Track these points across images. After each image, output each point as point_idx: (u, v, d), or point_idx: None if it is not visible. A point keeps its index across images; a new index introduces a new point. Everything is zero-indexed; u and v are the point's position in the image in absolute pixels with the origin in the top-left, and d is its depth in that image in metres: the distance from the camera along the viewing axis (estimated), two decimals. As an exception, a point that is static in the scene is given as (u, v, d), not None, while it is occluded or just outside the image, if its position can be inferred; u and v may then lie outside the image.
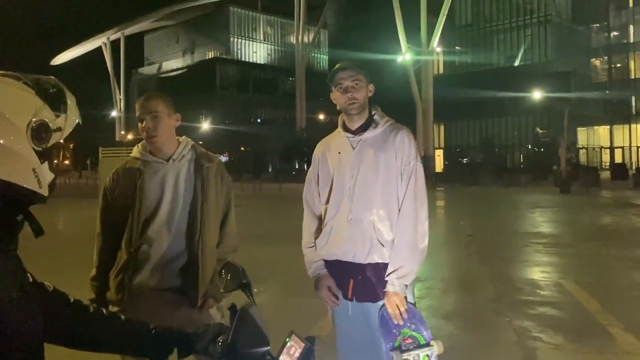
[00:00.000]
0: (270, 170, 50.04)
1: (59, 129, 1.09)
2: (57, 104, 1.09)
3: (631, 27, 49.67)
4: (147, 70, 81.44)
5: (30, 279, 1.13)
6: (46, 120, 1.04)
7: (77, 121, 1.16)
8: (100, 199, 2.30)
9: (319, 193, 2.45)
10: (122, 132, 63.56)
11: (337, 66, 2.38)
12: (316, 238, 2.42)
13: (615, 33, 50.87)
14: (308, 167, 45.37)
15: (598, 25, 51.09)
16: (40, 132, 1.03)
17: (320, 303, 2.46)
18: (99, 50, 71.93)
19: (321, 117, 53.02)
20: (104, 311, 1.30)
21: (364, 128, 2.35)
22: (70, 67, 78.93)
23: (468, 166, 39.01)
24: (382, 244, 2.25)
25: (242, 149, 52.21)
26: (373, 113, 2.39)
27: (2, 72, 1.07)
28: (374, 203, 2.26)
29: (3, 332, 0.92)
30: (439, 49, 39.90)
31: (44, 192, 1.04)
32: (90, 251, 2.29)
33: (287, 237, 10.82)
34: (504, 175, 31.09)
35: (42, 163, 1.04)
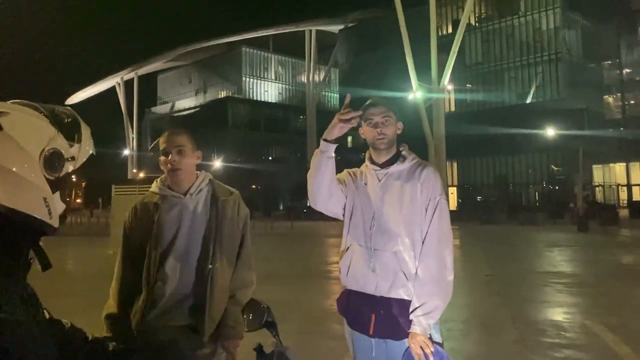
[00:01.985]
0: (281, 208, 49.97)
1: (72, 158, 1.07)
2: (71, 134, 1.08)
3: (643, 64, 49.88)
4: (160, 109, 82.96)
5: (47, 316, 1.12)
6: (59, 149, 1.03)
7: (90, 151, 1.13)
8: (121, 236, 2.28)
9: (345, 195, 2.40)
10: (134, 170, 64.23)
11: (368, 102, 2.41)
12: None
13: (628, 70, 51.01)
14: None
15: (610, 62, 51.32)
16: (53, 160, 1.01)
17: (338, 345, 2.40)
18: (112, 89, 73.58)
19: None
20: (124, 349, 1.27)
21: (391, 162, 2.36)
22: (84, 106, 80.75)
23: (482, 204, 38.69)
24: (406, 277, 2.18)
25: (254, 187, 52.35)
26: (401, 149, 2.41)
27: (20, 101, 1.06)
28: (398, 233, 2.23)
29: (8, 355, 0.88)
30: (450, 87, 40.19)
31: (54, 223, 1.01)
32: (100, 292, 2.24)
33: (301, 276, 10.73)
34: (519, 214, 30.73)
35: (53, 193, 1.01)
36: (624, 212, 31.25)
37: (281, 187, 50.73)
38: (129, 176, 62.19)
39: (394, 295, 2.19)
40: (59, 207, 1.04)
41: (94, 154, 1.15)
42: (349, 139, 59.39)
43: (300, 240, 21.17)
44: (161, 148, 2.24)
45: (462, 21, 37.84)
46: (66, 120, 1.09)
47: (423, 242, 2.22)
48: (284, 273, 10.85)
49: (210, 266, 2.12)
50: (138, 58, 73.04)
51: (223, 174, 50.98)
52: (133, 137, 71.59)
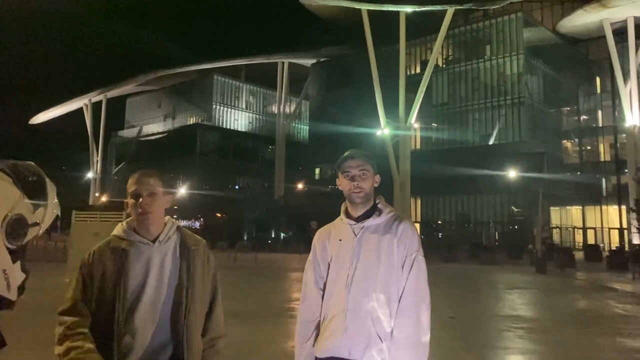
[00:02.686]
0: (245, 238, 49.38)
1: (37, 224, 0.98)
2: (36, 195, 0.98)
3: (600, 112, 52.29)
4: (127, 133, 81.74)
5: None
6: (23, 214, 0.93)
7: (56, 213, 1.05)
8: (75, 286, 2.05)
9: (316, 283, 2.36)
10: (97, 194, 62.62)
11: (346, 154, 2.38)
12: (312, 335, 2.31)
13: (585, 117, 53.44)
14: (285, 236, 44.57)
15: (568, 108, 53.66)
16: (16, 228, 0.92)
17: None
18: (80, 111, 72.22)
19: (299, 186, 53.30)
20: None
21: (367, 215, 2.32)
22: (49, 127, 78.83)
23: (444, 241, 39.17)
24: (380, 339, 2.12)
25: (219, 215, 51.70)
26: (377, 202, 2.37)
27: None
28: (374, 290, 2.18)
29: None
30: (416, 125, 41.19)
31: (12, 296, 0.93)
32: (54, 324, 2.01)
33: (266, 314, 10.53)
34: (480, 253, 31.18)
35: (14, 262, 0.93)
36: (579, 255, 32.13)
37: (247, 217, 50.25)
38: (91, 199, 60.60)
39: (367, 358, 2.12)
40: (18, 278, 0.95)
41: (59, 215, 1.06)
42: (317, 170, 59.74)
43: (263, 274, 20.88)
44: (130, 190, 2.09)
45: (430, 62, 39.10)
46: (30, 179, 0.99)
47: (399, 300, 2.17)
48: (247, 311, 10.64)
49: (184, 319, 2.03)
50: (108, 81, 72.13)
51: (189, 201, 50.21)
52: (98, 160, 70.10)
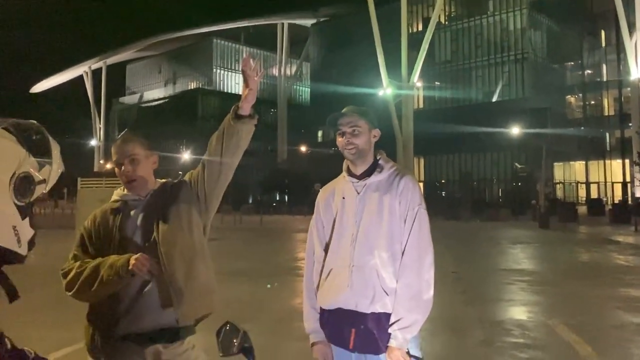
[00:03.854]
0: (250, 201, 49.67)
1: (43, 181, 0.99)
2: (40, 153, 1.00)
3: (604, 66, 51.41)
4: (128, 99, 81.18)
5: (9, 345, 1.03)
6: (30, 172, 0.95)
7: (60, 171, 1.06)
8: (75, 246, 2.17)
9: (320, 241, 2.38)
10: (101, 161, 62.77)
11: (338, 112, 2.36)
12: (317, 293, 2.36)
13: (589, 71, 52.57)
14: (289, 199, 44.79)
15: (572, 63, 52.76)
16: (24, 185, 0.94)
17: (308, 345, 2.36)
18: (80, 78, 71.58)
19: (302, 148, 53.19)
20: None
21: (368, 173, 2.32)
22: (50, 95, 78.35)
23: (447, 200, 39.30)
24: (385, 292, 2.16)
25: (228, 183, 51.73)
26: (378, 158, 2.36)
27: None
28: (377, 247, 2.19)
29: None
30: (419, 84, 40.63)
31: (23, 251, 0.95)
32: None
33: (270, 273, 10.69)
34: (483, 210, 31.33)
35: (23, 219, 0.95)
36: (582, 209, 32.27)
37: (251, 180, 50.39)
38: (96, 167, 60.80)
39: (373, 310, 2.16)
40: (28, 233, 0.98)
41: (64, 172, 1.08)
42: (319, 133, 59.48)
43: (269, 236, 21.11)
44: (113, 159, 2.16)
45: (433, 19, 38.28)
46: (34, 137, 1.01)
47: (402, 255, 2.19)
48: (253, 270, 10.80)
49: (162, 260, 2.04)
50: (107, 47, 71.23)
51: (192, 166, 50.12)
52: (100, 128, 69.91)
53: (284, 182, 48.87)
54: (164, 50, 72.39)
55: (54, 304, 6.10)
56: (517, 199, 36.37)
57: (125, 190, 2.21)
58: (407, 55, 37.41)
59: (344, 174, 2.38)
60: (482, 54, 48.57)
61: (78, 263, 2.07)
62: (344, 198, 2.31)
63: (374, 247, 2.19)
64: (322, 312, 2.30)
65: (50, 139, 1.05)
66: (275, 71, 64.19)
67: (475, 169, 46.52)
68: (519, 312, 7.35)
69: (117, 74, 78.54)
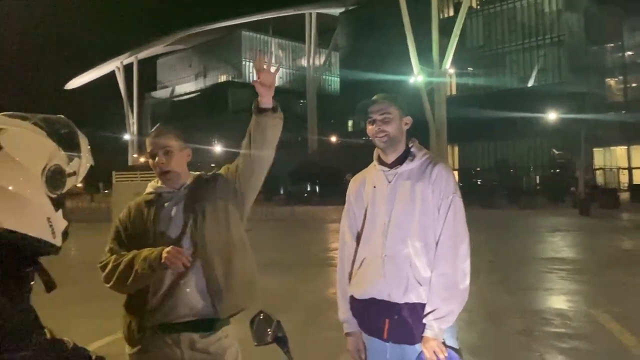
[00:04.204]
0: (281, 192, 49.95)
1: (74, 174, 1.03)
2: (69, 146, 1.03)
3: (646, 47, 49.41)
4: (160, 93, 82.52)
5: (48, 335, 1.08)
6: (61, 165, 0.99)
7: (89, 164, 1.09)
8: (110, 239, 2.22)
9: (352, 231, 2.36)
10: (135, 155, 64.12)
11: (368, 100, 2.31)
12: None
13: (630, 53, 50.55)
14: (320, 189, 44.73)
15: (612, 45, 50.84)
16: (55, 178, 0.97)
17: (342, 336, 2.36)
18: (112, 74, 73.09)
19: (333, 139, 53.07)
20: None
21: (400, 161, 2.27)
22: (84, 91, 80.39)
23: (483, 188, 38.64)
24: (419, 283, 2.11)
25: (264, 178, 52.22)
26: (410, 146, 2.30)
27: (10, 113, 1.01)
28: (410, 236, 2.15)
29: None
30: (451, 71, 39.85)
31: (58, 242, 0.99)
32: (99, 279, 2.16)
33: (302, 264, 10.71)
34: (520, 198, 30.70)
35: (56, 210, 0.99)
36: (625, 196, 31.22)
37: (281, 171, 50.62)
38: (130, 161, 62.18)
39: (407, 300, 2.12)
40: (61, 224, 1.01)
41: (93, 165, 1.11)
42: (349, 123, 59.17)
43: (300, 226, 21.17)
44: (147, 150, 2.20)
45: (464, 4, 37.43)
46: (62, 131, 1.03)
47: (437, 245, 2.14)
48: (285, 261, 10.83)
49: (198, 251, 2.07)
50: (138, 42, 72.35)
51: (223, 159, 50.85)
52: (133, 122, 71.33)
53: (315, 172, 48.90)
54: (194, 43, 73.14)
55: (93, 295, 6.22)
56: (556, 186, 35.42)
57: (159, 182, 2.24)
58: (438, 41, 36.74)
59: (375, 162, 2.34)
60: (516, 38, 47.32)
61: (114, 256, 2.11)
62: (374, 187, 2.27)
63: (407, 237, 2.14)
64: (355, 301, 2.27)
65: (79, 132, 1.08)
66: (303, 62, 64.11)
67: (511, 156, 45.55)
68: (559, 301, 7.14)
69: (148, 68, 79.95)
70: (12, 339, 0.88)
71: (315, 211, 31.04)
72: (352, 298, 2.28)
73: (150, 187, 2.27)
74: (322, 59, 62.53)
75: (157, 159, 2.16)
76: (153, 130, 2.27)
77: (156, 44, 70.65)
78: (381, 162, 2.30)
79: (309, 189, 52.06)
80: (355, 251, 2.30)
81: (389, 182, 2.25)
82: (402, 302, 2.11)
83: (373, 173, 2.33)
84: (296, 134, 63.66)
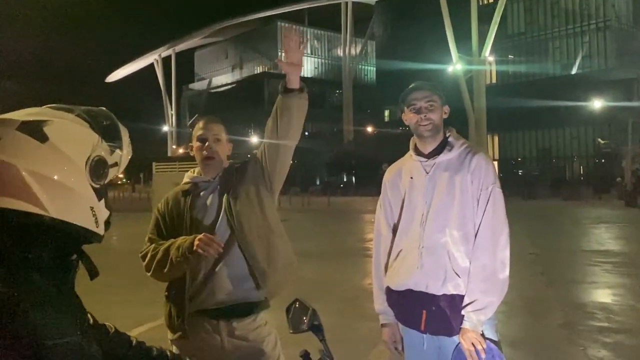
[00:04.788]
0: (318, 183, 50.10)
1: (116, 164, 1.06)
2: (111, 138, 1.06)
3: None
4: (198, 85, 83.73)
5: (91, 321, 1.14)
6: (103, 155, 1.02)
7: (130, 155, 1.12)
8: (150, 228, 2.29)
9: (388, 221, 2.33)
10: (174, 147, 65.40)
11: (411, 86, 2.26)
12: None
13: (682, 36, 48.26)
14: (356, 180, 44.73)
15: (662, 29, 48.64)
16: (98, 168, 1.00)
17: (378, 326, 2.35)
18: (151, 67, 74.55)
19: (369, 129, 52.76)
20: (168, 354, 1.28)
21: (437, 151, 2.21)
22: (124, 84, 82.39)
23: (524, 178, 37.70)
24: (457, 274, 2.08)
25: (290, 162, 52.56)
26: (448, 135, 2.25)
27: (55, 105, 1.04)
28: (448, 227, 2.11)
29: None
30: (491, 58, 38.89)
31: (100, 231, 1.03)
32: (142, 269, 2.23)
33: (339, 254, 10.72)
34: (562, 188, 29.86)
35: (99, 200, 1.01)
36: (675, 187, 29.88)
37: (318, 162, 50.71)
38: (169, 152, 63.46)
39: (445, 291, 2.09)
40: (104, 214, 1.04)
41: (133, 156, 1.15)
42: (386, 113, 58.69)
43: (337, 217, 21.19)
44: (197, 134, 2.24)
45: (505, -11, 36.40)
46: (105, 123, 1.06)
47: (476, 236, 2.09)
48: (321, 251, 10.86)
49: (237, 238, 2.11)
50: (175, 35, 73.55)
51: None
52: (172, 114, 72.68)
53: (351, 163, 48.81)
54: (230, 35, 73.76)
55: (135, 282, 6.39)
56: (601, 176, 34.25)
57: (197, 172, 2.29)
58: (477, 28, 35.85)
59: (411, 152, 2.28)
60: (559, 24, 45.79)
61: (153, 246, 2.17)
62: (412, 178, 2.23)
63: (445, 228, 2.11)
64: (391, 292, 2.25)
65: (119, 124, 1.10)
66: (339, 52, 63.80)
67: (553, 145, 44.28)
68: (603, 295, 6.91)
69: (186, 61, 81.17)
70: (56, 325, 0.90)
71: (351, 202, 31.00)
72: (388, 289, 2.26)
73: (187, 177, 2.32)
74: (358, 49, 62.07)
75: (206, 143, 2.22)
76: (201, 119, 2.33)
77: (193, 37, 71.61)
78: (418, 152, 2.25)
79: (345, 179, 52.03)
80: (392, 242, 2.28)
81: (427, 172, 2.20)
82: (440, 293, 2.09)
83: (410, 163, 2.28)
84: (332, 125, 63.60)
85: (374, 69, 69.34)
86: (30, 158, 0.94)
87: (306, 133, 68.05)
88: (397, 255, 2.23)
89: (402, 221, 2.24)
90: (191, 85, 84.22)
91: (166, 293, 2.21)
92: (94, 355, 1.01)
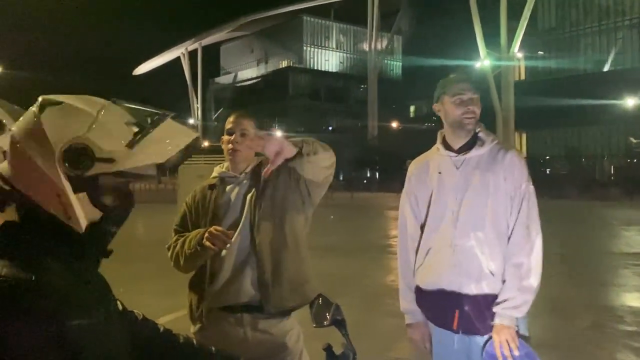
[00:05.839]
0: (341, 178, 50.07)
1: (110, 160, 0.96)
2: (133, 136, 1.00)
3: None
4: (224, 79, 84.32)
5: (120, 307, 1.14)
6: (90, 145, 0.94)
7: (147, 161, 1.01)
8: (177, 220, 2.33)
9: (414, 217, 2.26)
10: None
11: (455, 75, 2.21)
12: (415, 269, 2.25)
13: None
14: (380, 176, 44.39)
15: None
16: (75, 156, 0.94)
17: (401, 323, 2.33)
18: (177, 60, 75.33)
19: (393, 124, 52.41)
20: (194, 343, 1.28)
21: (468, 146, 2.15)
22: (151, 77, 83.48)
23: (552, 178, 37.00)
24: (491, 273, 2.05)
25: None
26: (478, 131, 2.19)
27: (124, 102, 1.04)
28: (482, 225, 2.07)
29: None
30: (520, 55, 38.21)
31: (74, 224, 0.95)
32: (167, 258, 2.27)
33: (361, 250, 10.68)
34: (592, 188, 29.22)
35: (77, 192, 0.95)
36: None
37: (341, 157, 50.58)
38: (194, 145, 64.13)
39: (479, 291, 2.06)
40: (86, 209, 0.97)
41: (162, 163, 1.04)
42: (411, 108, 58.17)
43: (360, 212, 21.14)
44: (226, 127, 2.28)
45: (536, -17, 35.68)
46: (142, 123, 1.02)
47: (510, 234, 2.07)
48: (344, 247, 10.84)
49: (255, 239, 2.11)
50: (202, 29, 74.11)
51: (284, 144, 51.34)
52: (198, 107, 73.39)
53: (375, 158, 48.59)
54: (256, 29, 73.99)
55: (161, 273, 6.47)
56: (632, 176, 33.36)
57: (225, 167, 2.31)
58: (506, 23, 35.27)
59: (439, 146, 2.20)
60: (591, 20, 44.70)
61: (175, 237, 2.23)
62: (440, 173, 2.16)
63: (478, 226, 2.06)
64: (421, 292, 2.21)
65: (156, 133, 1.02)
66: (365, 46, 63.40)
67: (583, 144, 43.32)
68: (632, 298, 6.75)
69: (212, 55, 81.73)
70: (78, 307, 0.91)
71: (375, 197, 30.89)
72: (418, 289, 2.21)
73: (215, 171, 2.34)
74: (384, 43, 61.56)
75: (233, 137, 2.23)
76: (230, 112, 2.37)
77: (220, 30, 72.07)
78: (447, 147, 2.18)
79: (368, 175, 51.87)
80: (420, 239, 2.22)
81: (457, 168, 2.14)
82: (474, 293, 2.06)
83: (438, 158, 2.20)
84: (356, 120, 63.37)
85: (400, 64, 68.76)
86: (21, 127, 0.97)
87: (330, 128, 68.09)
88: (427, 253, 2.16)
89: (430, 217, 2.17)
90: (217, 79, 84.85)
91: (189, 285, 2.24)
92: (118, 338, 1.03)
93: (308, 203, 2.25)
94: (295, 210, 2.22)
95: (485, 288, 2.05)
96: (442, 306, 2.13)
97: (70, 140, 0.95)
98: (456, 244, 2.08)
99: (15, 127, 0.98)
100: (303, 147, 1.98)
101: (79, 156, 0.95)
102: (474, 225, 2.07)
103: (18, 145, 0.96)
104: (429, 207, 2.19)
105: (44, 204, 0.95)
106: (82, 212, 0.96)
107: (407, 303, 2.26)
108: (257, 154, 2.32)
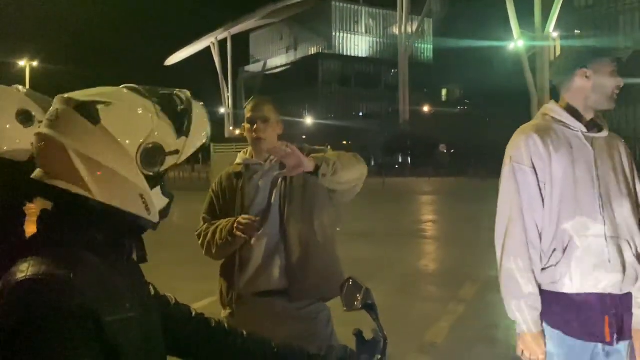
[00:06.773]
0: (372, 164, 49.87)
1: (176, 152, 1.00)
2: (180, 124, 1.01)
3: None
4: (253, 67, 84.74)
5: (153, 292, 1.15)
6: (160, 142, 0.97)
7: (199, 143, 1.05)
8: (205, 208, 2.33)
9: (542, 196, 1.82)
10: (231, 128, 66.74)
11: (602, 46, 2.02)
12: (540, 263, 1.83)
13: None
14: (412, 161, 44.03)
15: None
16: (151, 155, 0.97)
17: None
18: (208, 50, 76.00)
19: (425, 109, 51.77)
20: (226, 326, 1.28)
21: (593, 126, 1.90)
22: (182, 67, 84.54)
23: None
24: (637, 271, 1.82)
25: (345, 143, 52.58)
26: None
27: (130, 86, 1.01)
28: (627, 213, 1.83)
29: (122, 355, 0.91)
30: (555, 34, 37.08)
31: (153, 218, 1.00)
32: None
33: (393, 235, 10.64)
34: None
35: (153, 188, 0.98)
36: None
37: (372, 143, 50.37)
38: (226, 133, 64.90)
39: (627, 290, 1.81)
40: (160, 202, 1.01)
41: (206, 144, 1.07)
42: (443, 91, 57.29)
43: (392, 198, 21.03)
44: (247, 116, 2.26)
45: (572, -41, 34.43)
46: (178, 109, 1.02)
47: None
48: (376, 232, 10.81)
49: (285, 226, 2.12)
50: (231, 18, 74.50)
51: (314, 131, 51.50)
52: (228, 96, 74.05)
53: (406, 143, 48.18)
54: (284, 16, 73.95)
55: (194, 259, 6.61)
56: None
57: (249, 153, 2.31)
58: (540, 1, 34.24)
59: (566, 116, 1.87)
60: (631, -5, 42.95)
61: (205, 225, 2.23)
62: (571, 147, 1.82)
63: (623, 213, 1.81)
64: (559, 297, 1.80)
65: (196, 111, 1.04)
66: (395, 30, 62.58)
67: (622, 125, 41.94)
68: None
69: (241, 43, 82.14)
70: (114, 302, 0.92)
71: (407, 183, 30.68)
72: (552, 294, 1.80)
73: (240, 158, 2.33)
74: (415, 27, 60.64)
75: (255, 126, 2.22)
76: (250, 100, 2.32)
77: (249, 19, 72.29)
78: (580, 120, 1.86)
79: (400, 160, 51.50)
80: (556, 225, 1.80)
81: (592, 147, 1.84)
82: (624, 292, 1.80)
83: (560, 132, 1.85)
84: (387, 105, 62.91)
85: (431, 47, 67.69)
86: (79, 139, 0.93)
87: (360, 114, 67.76)
88: (566, 248, 1.77)
89: (563, 202, 1.79)
90: (247, 68, 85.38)
91: (220, 272, 2.26)
92: (154, 328, 1.04)
93: (336, 201, 2.23)
94: (324, 205, 2.21)
95: (633, 286, 1.82)
96: (588, 313, 1.78)
97: (144, 141, 0.96)
98: (608, 235, 1.79)
99: (69, 140, 0.93)
100: (321, 167, 1.88)
101: (152, 156, 0.97)
102: (621, 213, 1.84)
103: (90, 159, 0.93)
104: (560, 188, 1.86)
105: (123, 206, 0.95)
106: (158, 205, 1.00)
107: (530, 310, 1.81)
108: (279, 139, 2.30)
